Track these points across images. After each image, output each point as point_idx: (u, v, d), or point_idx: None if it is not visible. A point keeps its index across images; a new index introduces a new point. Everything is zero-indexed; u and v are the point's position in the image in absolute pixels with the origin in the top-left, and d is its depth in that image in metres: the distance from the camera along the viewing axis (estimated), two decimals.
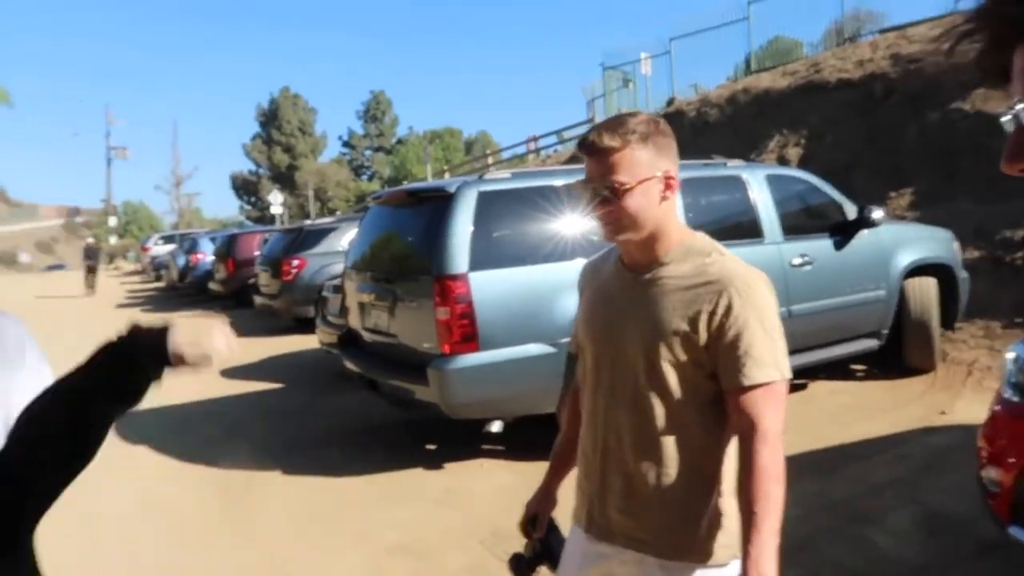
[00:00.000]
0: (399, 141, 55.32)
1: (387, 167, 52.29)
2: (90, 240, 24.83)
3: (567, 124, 19.92)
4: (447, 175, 25.58)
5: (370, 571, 3.42)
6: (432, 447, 5.23)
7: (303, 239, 10.45)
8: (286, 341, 9.97)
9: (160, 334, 1.12)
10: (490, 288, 4.27)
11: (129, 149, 48.57)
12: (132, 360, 1.11)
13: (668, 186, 1.47)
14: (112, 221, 48.48)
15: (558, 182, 4.71)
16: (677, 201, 1.55)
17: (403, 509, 4.13)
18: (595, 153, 1.46)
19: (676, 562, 1.46)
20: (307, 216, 36.50)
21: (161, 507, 4.40)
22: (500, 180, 4.59)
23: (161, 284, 22.79)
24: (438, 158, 38.95)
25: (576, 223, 4.66)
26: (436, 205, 4.45)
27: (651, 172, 1.45)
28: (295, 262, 10.12)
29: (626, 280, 1.54)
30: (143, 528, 4.08)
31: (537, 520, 1.75)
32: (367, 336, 5.14)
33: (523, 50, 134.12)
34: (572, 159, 15.56)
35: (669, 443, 1.45)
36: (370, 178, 54.48)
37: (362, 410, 6.06)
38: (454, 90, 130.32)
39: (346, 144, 57.09)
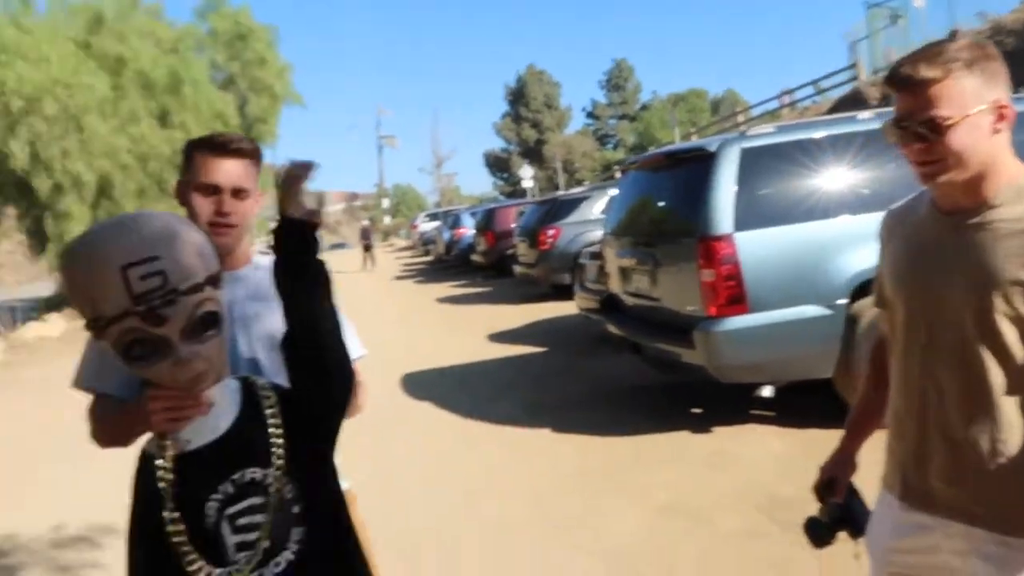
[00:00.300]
0: (643, 107, 54.70)
1: (631, 134, 52.02)
2: (365, 222, 27.98)
3: (824, 73, 18.27)
4: (694, 138, 24.81)
5: (643, 529, 3.50)
6: (697, 411, 5.19)
7: (557, 209, 10.79)
8: (545, 307, 10.41)
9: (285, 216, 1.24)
10: (758, 248, 4.11)
11: (396, 137, 53.38)
12: (295, 241, 1.24)
13: (1000, 117, 1.31)
14: (385, 203, 53.76)
15: (825, 133, 4.39)
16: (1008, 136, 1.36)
17: (671, 470, 4.16)
18: (910, 87, 1.33)
19: (1018, 538, 1.31)
20: (556, 188, 37.57)
21: (441, 458, 4.86)
22: (763, 135, 4.38)
23: (429, 257, 24.88)
24: (683, 121, 37.92)
25: (847, 177, 4.32)
26: (696, 165, 4.37)
27: (979, 103, 1.29)
28: (551, 232, 10.49)
29: (944, 227, 1.40)
30: (421, 477, 4.55)
31: (834, 484, 1.67)
32: (629, 300, 5.21)
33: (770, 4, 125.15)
34: (835, 109, 14.32)
35: (1007, 406, 1.31)
36: (615, 147, 54.60)
37: (623, 373, 6.18)
38: (697, 50, 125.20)
39: (590, 115, 57.70)
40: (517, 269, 11.76)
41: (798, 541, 3.16)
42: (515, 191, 46.48)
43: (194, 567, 1.15)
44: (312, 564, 1.22)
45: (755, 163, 4.20)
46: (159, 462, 1.17)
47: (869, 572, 1.54)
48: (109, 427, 1.50)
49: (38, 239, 13.02)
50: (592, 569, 3.14)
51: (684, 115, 43.18)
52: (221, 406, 1.20)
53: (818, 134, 4.36)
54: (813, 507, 3.63)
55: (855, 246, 4.20)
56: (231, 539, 1.17)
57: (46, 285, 15.97)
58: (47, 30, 11.27)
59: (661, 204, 4.93)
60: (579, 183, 41.96)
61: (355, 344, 1.70)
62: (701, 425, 4.83)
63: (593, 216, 10.37)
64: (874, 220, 4.37)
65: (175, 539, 1.15)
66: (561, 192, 11.61)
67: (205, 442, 1.19)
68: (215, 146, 1.63)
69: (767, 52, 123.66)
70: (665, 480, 4.02)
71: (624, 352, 5.32)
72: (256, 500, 1.19)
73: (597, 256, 6.98)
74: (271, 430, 1.22)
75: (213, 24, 14.60)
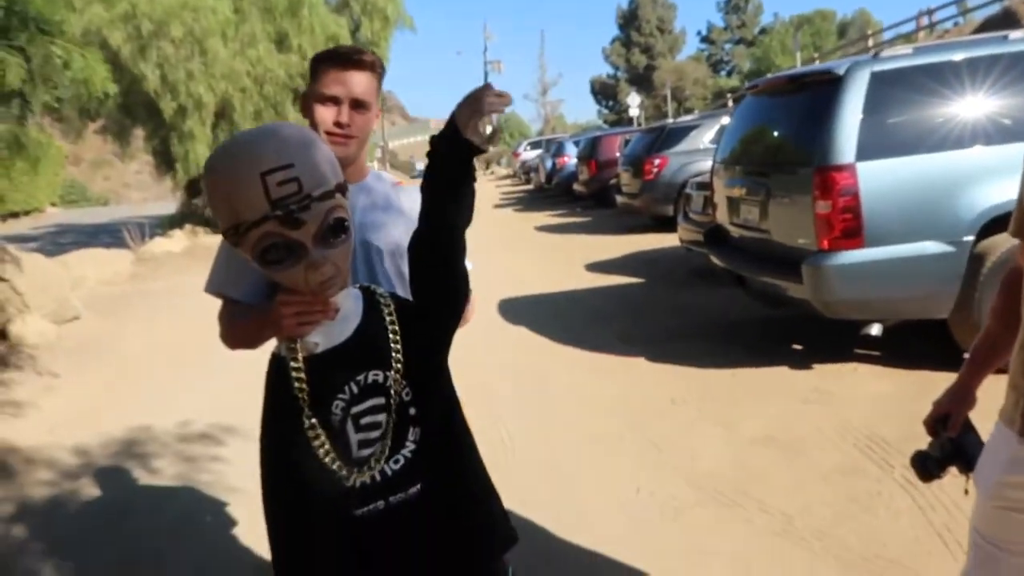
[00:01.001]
0: (762, 31, 51.63)
1: (748, 60, 49.36)
2: None
3: None
4: (817, 64, 23.29)
5: (736, 458, 3.49)
6: (798, 347, 5.05)
7: (665, 138, 10.47)
8: (645, 239, 10.26)
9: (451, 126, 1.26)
10: (881, 180, 3.88)
11: (502, 62, 52.69)
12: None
13: None
14: (488, 129, 53.55)
15: (967, 55, 4.02)
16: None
17: (767, 404, 4.09)
18: None
19: None
20: (663, 117, 36.42)
21: (534, 376, 4.95)
22: (898, 57, 4.06)
23: (530, 186, 24.84)
24: (806, 45, 35.56)
25: (986, 103, 3.97)
26: (821, 90, 4.11)
27: None
28: (657, 161, 10.23)
29: None
30: (514, 391, 4.66)
31: (949, 419, 1.60)
32: (735, 232, 5.06)
33: None
34: (981, 31, 13.07)
35: None
36: (729, 73, 52.10)
37: (721, 307, 6.06)
38: None
39: (705, 39, 55.05)
40: (619, 199, 11.58)
41: (893, 480, 3.12)
42: (620, 119, 45.33)
43: (332, 464, 1.23)
44: (428, 461, 1.29)
45: (885, 88, 3.91)
46: (293, 364, 1.25)
47: (975, 506, 1.49)
48: (239, 331, 1.59)
49: (164, 159, 13.79)
50: (681, 492, 3.17)
51: (808, 39, 40.47)
52: (345, 312, 1.28)
53: (959, 56, 4.01)
54: (911, 448, 3.54)
55: (988, 180, 3.90)
56: (354, 437, 1.26)
57: (170, 204, 17.00)
58: None
59: (779, 131, 4.69)
60: (688, 112, 40.44)
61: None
62: (801, 361, 4.70)
63: (703, 145, 10.02)
64: (1013, 151, 4.08)
65: (313, 439, 1.23)
66: (670, 120, 11.25)
67: (331, 345, 1.27)
68: (337, 58, 1.67)
69: None
70: (760, 413, 3.97)
71: (723, 286, 5.20)
72: (378, 400, 1.26)
73: (704, 187, 6.78)
74: (390, 336, 1.29)
75: None
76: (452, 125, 1.26)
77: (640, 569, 2.62)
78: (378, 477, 1.25)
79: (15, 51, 4.65)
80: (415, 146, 66.54)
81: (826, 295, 4.06)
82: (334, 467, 1.24)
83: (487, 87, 1.27)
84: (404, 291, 1.60)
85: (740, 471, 3.34)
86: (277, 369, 1.31)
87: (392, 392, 1.27)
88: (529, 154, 29.83)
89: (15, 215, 27.46)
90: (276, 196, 1.12)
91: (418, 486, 1.27)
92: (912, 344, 4.62)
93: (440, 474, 1.31)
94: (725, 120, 10.84)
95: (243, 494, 3.45)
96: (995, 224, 3.94)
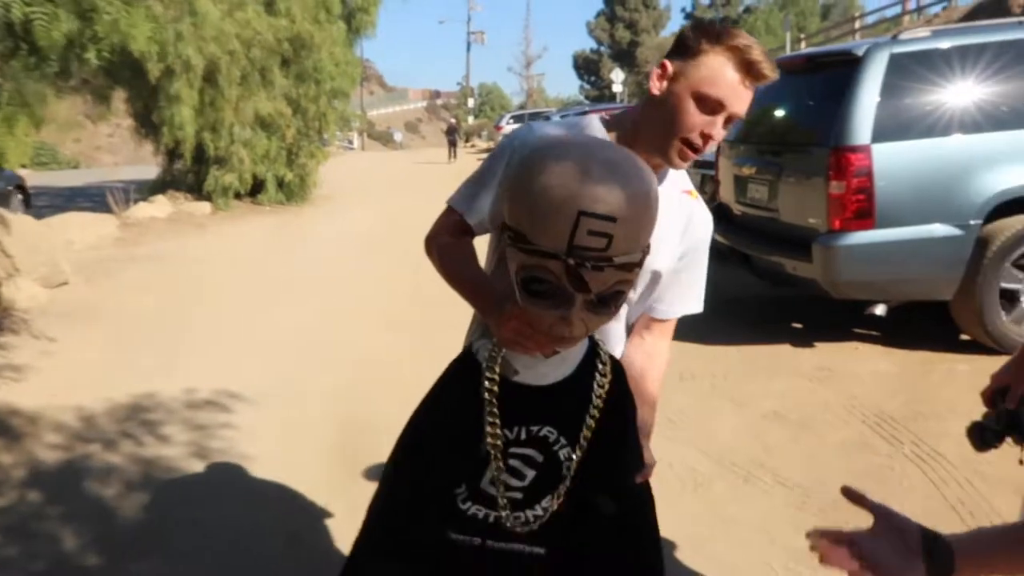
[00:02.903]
0: (747, 10, 51.52)
1: None
2: (452, 120, 28.08)
3: None
4: (803, 46, 23.31)
5: (750, 432, 3.56)
6: (798, 325, 5.13)
7: None
8: None
9: None
10: (894, 162, 3.94)
11: (485, 33, 52.16)
12: None
13: None
14: (470, 102, 53.19)
15: (987, 39, 4.08)
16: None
17: (776, 381, 4.17)
18: None
19: None
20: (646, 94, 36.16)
21: None
22: (917, 40, 4.10)
23: None
24: (791, 26, 35.50)
25: (1002, 89, 4.03)
26: (839, 71, 4.15)
27: None
28: None
29: None
30: None
31: (1008, 392, 1.65)
32: (739, 210, 5.10)
33: None
34: (970, 17, 13.17)
35: None
36: None
37: (722, 284, 6.09)
38: None
39: (688, 16, 54.76)
40: None
41: (904, 456, 3.21)
42: (602, 95, 45.14)
43: (496, 476, 1.14)
44: (552, 535, 1.17)
45: (903, 70, 3.96)
46: (488, 375, 1.14)
47: None
48: (452, 268, 1.44)
49: (146, 122, 13.47)
50: (700, 464, 3.23)
51: (792, 19, 40.43)
52: (561, 358, 1.15)
53: (977, 40, 4.06)
54: (918, 425, 3.62)
55: (999, 165, 3.98)
56: (491, 472, 1.15)
57: (146, 168, 16.67)
58: None
59: (793, 111, 4.73)
60: None
61: (700, 299, 1.59)
62: (803, 340, 4.79)
63: None
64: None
65: (491, 447, 1.13)
66: None
67: (530, 383, 1.15)
68: (749, 66, 1.31)
69: None
70: (770, 389, 4.04)
71: (722, 264, 5.25)
72: (536, 455, 1.15)
73: (703, 165, 6.80)
74: (588, 414, 1.16)
75: None
76: None
77: (667, 537, 2.68)
78: (491, 518, 1.16)
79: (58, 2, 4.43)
80: (394, 116, 65.78)
81: (835, 275, 4.13)
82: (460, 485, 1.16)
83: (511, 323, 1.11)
84: (613, 327, 1.52)
85: (755, 445, 3.40)
86: (465, 365, 1.21)
87: (555, 458, 1.16)
88: (511, 127, 29.64)
89: None
90: (579, 243, 0.95)
91: (519, 546, 1.17)
92: (911, 325, 4.73)
93: (556, 548, 1.18)
94: None
95: (258, 462, 3.45)
96: (1004, 208, 4.02)
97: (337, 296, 6.62)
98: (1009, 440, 1.65)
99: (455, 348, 1.31)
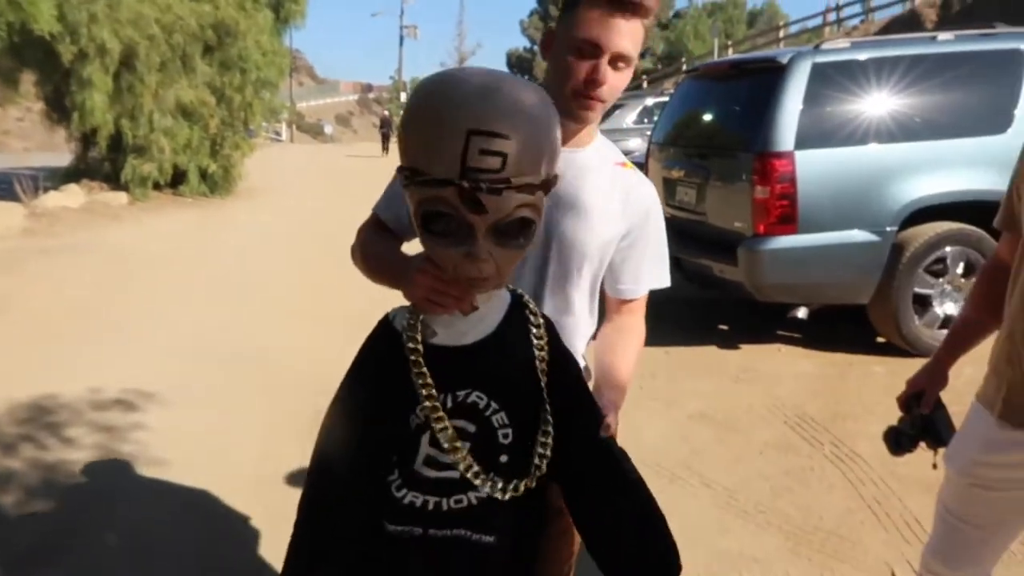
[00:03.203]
0: (676, 15, 52.65)
1: (661, 43, 50.29)
2: (385, 113, 27.87)
3: None
4: (730, 52, 23.97)
5: (676, 433, 3.59)
6: (725, 327, 5.24)
7: None
8: None
9: None
10: (816, 169, 4.05)
11: (418, 27, 51.69)
12: None
13: None
14: (403, 97, 52.60)
15: (902, 52, 4.23)
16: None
17: (701, 382, 4.23)
18: None
19: None
20: None
21: None
22: (838, 51, 4.22)
23: None
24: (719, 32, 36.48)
25: (916, 101, 4.20)
26: (763, 78, 4.24)
27: None
28: None
29: None
30: None
31: (923, 397, 1.69)
32: (669, 212, 5.15)
33: None
34: (887, 30, 13.76)
35: None
36: (642, 55, 52.72)
37: None
38: None
39: None
40: None
41: (824, 456, 3.29)
42: None
43: (447, 439, 1.04)
44: (496, 517, 1.08)
45: (825, 79, 4.08)
46: (410, 344, 1.06)
47: (944, 482, 1.58)
48: (368, 256, 1.43)
49: (57, 107, 12.81)
50: None
51: (719, 26, 41.54)
52: (482, 314, 1.08)
53: (893, 52, 4.21)
54: (837, 426, 3.72)
55: (914, 174, 4.14)
56: (424, 450, 1.07)
57: (60, 155, 15.86)
58: None
59: (719, 116, 4.82)
60: None
61: (664, 273, 1.54)
62: (729, 341, 4.89)
63: (626, 125, 10.17)
64: (936, 148, 4.33)
65: (429, 412, 1.04)
66: None
67: (449, 344, 1.08)
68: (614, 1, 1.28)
69: None
70: (696, 390, 4.10)
71: None
72: (467, 426, 1.06)
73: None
74: (516, 369, 1.09)
75: None
76: None
77: None
78: (431, 504, 1.07)
79: None
80: (324, 108, 64.61)
81: (760, 279, 4.22)
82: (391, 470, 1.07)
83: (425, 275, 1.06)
84: (593, 297, 1.45)
85: (682, 447, 3.44)
86: (384, 333, 1.12)
87: (488, 425, 1.07)
88: None
89: None
90: (472, 164, 0.91)
91: (466, 532, 1.07)
92: (831, 327, 4.88)
93: (505, 535, 1.10)
94: (649, 101, 11.04)
95: (170, 466, 3.29)
96: (917, 215, 4.19)
97: (259, 292, 6.41)
98: (923, 444, 1.70)
99: None
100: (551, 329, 1.16)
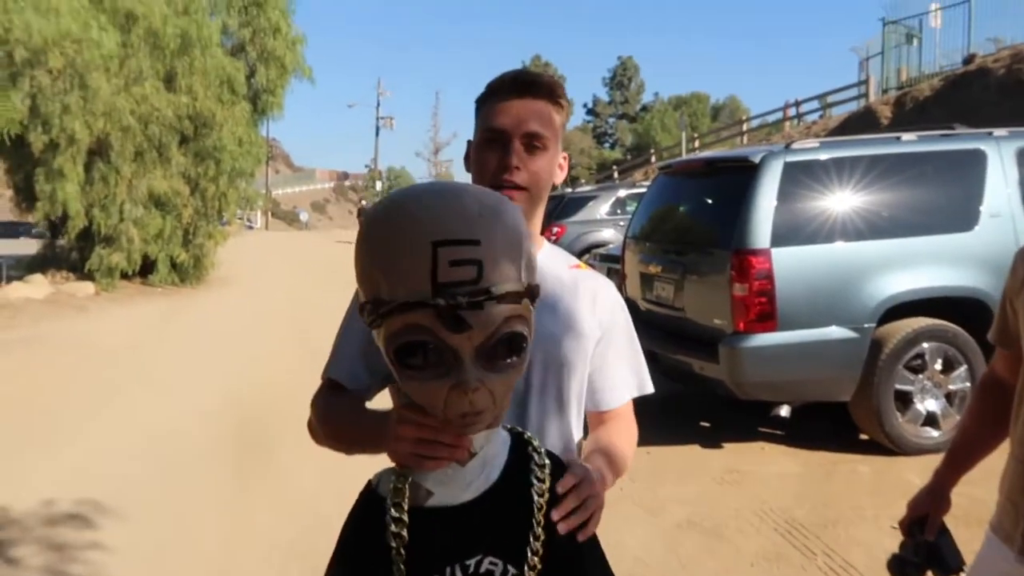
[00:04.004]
0: (644, 108, 54.65)
1: (630, 135, 51.97)
2: (364, 202, 28.32)
3: (829, 88, 18.27)
4: (697, 144, 24.77)
5: (662, 544, 3.43)
6: (706, 424, 5.13)
7: (564, 207, 10.70)
8: None
9: None
10: (792, 266, 4.05)
11: (394, 118, 52.90)
12: None
13: None
14: (378, 185, 53.36)
15: (868, 152, 4.33)
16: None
17: (686, 485, 4.09)
18: None
19: None
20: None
21: None
22: (808, 150, 4.31)
23: None
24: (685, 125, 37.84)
25: (885, 199, 4.27)
26: (737, 176, 4.29)
27: None
28: (556, 229, 10.39)
29: None
30: None
31: (927, 522, 1.59)
32: (646, 307, 5.12)
33: (781, 10, 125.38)
34: (845, 126, 14.31)
35: None
36: (612, 146, 54.52)
37: None
38: (703, 54, 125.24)
39: (590, 111, 57.55)
40: None
41: (817, 568, 3.14)
42: None
43: None
44: None
45: (797, 178, 4.13)
46: (393, 513, 0.92)
47: None
48: (332, 426, 1.23)
49: (27, 196, 12.72)
50: None
51: (686, 119, 43.08)
52: (483, 459, 0.94)
53: (862, 152, 4.30)
54: (829, 533, 3.57)
55: (888, 270, 4.16)
56: None
57: (29, 243, 15.64)
58: None
59: (694, 212, 4.86)
60: (574, 180, 41.82)
61: (644, 378, 1.43)
62: (711, 440, 4.77)
63: (599, 216, 10.30)
64: (909, 244, 4.37)
65: None
66: (570, 189, 11.60)
67: (447, 503, 0.93)
68: (504, 87, 1.27)
69: (773, 62, 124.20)
70: (681, 495, 3.95)
71: None
72: None
73: (609, 259, 6.90)
74: (533, 519, 0.94)
75: None
76: None
77: None
78: None
79: None
80: (300, 196, 65.20)
81: (741, 376, 4.15)
82: None
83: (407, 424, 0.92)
84: (560, 422, 1.29)
85: (669, 558, 3.27)
86: (368, 505, 0.97)
87: None
88: None
89: None
90: (445, 279, 0.80)
91: None
92: (814, 424, 4.79)
93: None
94: (621, 192, 11.24)
95: None
96: (894, 312, 4.18)
97: (225, 390, 6.19)
98: (930, 573, 1.58)
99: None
100: (555, 459, 1.02)
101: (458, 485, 0.93)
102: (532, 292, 0.87)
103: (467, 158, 1.34)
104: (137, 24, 11.49)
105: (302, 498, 3.83)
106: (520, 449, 0.99)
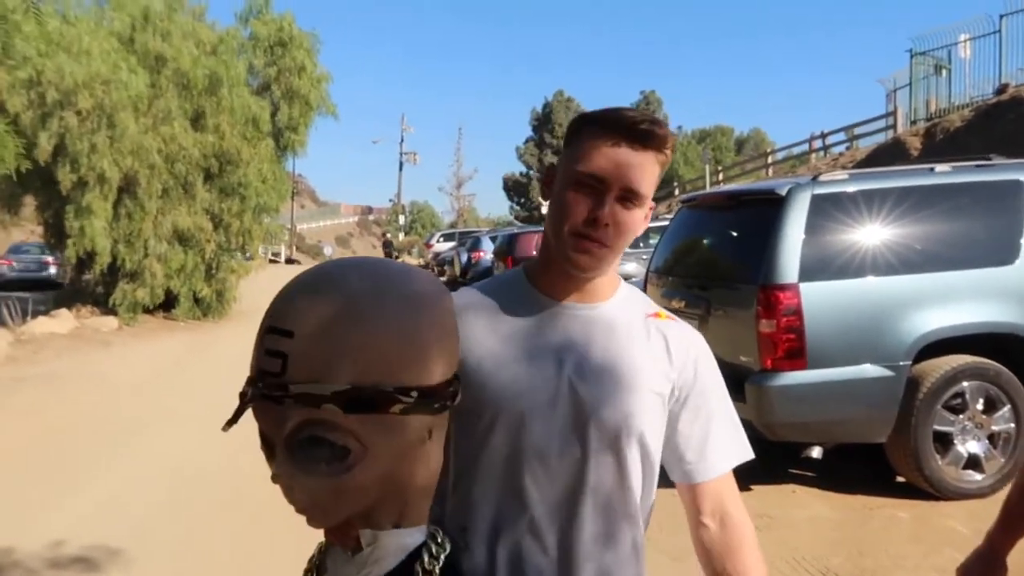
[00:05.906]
0: None
1: None
2: (388, 235, 28.35)
3: (855, 120, 18.08)
4: (720, 176, 24.64)
5: None
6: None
7: None
8: None
9: None
10: (822, 301, 3.89)
11: (418, 153, 53.48)
12: None
13: None
14: (402, 219, 53.80)
15: (900, 184, 4.18)
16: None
17: None
18: None
19: None
20: None
21: None
22: (836, 182, 4.17)
23: (444, 278, 24.74)
24: (709, 159, 37.80)
25: (918, 232, 4.11)
26: (762, 209, 4.16)
27: None
28: None
29: None
30: None
31: None
32: None
33: (806, 41, 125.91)
34: (872, 157, 14.11)
35: None
36: None
37: None
38: (727, 86, 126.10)
39: None
40: None
41: None
42: (531, 216, 46.35)
43: None
44: None
45: (825, 210, 3.99)
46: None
47: None
48: None
49: (56, 232, 12.93)
50: None
51: (710, 153, 43.06)
52: (371, 559, 0.85)
53: (893, 184, 4.15)
54: None
55: (923, 306, 3.98)
56: None
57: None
58: (92, 23, 11.27)
59: (719, 246, 4.72)
60: None
61: (741, 441, 1.28)
62: (739, 483, 4.53)
63: None
64: (946, 279, 4.19)
65: None
66: None
67: None
68: (614, 125, 1.10)
69: (798, 94, 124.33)
70: None
71: None
72: None
73: None
74: None
75: (255, 29, 14.59)
76: None
77: None
78: None
79: None
80: (324, 230, 65.93)
81: (769, 416, 3.97)
82: None
83: None
84: (649, 489, 1.18)
85: None
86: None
87: None
88: (442, 245, 29.91)
89: None
90: (258, 366, 0.78)
91: None
92: (848, 466, 4.58)
93: None
94: None
95: None
96: (930, 349, 3.99)
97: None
98: None
99: None
100: None
101: (349, 572, 0.87)
102: (361, 398, 0.75)
103: (547, 183, 1.19)
104: (166, 66, 11.73)
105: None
106: (408, 565, 0.84)
